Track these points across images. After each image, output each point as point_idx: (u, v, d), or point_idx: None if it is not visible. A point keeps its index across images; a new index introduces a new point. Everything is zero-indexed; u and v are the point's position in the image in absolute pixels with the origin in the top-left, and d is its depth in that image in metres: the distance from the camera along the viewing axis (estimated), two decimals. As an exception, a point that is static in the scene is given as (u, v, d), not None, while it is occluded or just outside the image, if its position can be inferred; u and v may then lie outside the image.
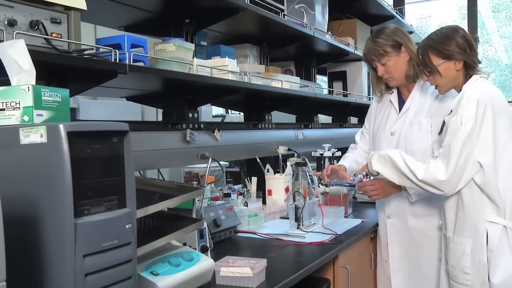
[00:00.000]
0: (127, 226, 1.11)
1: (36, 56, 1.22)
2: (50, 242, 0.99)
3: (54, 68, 1.52)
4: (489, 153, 1.87)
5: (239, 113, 3.97)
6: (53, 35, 1.42)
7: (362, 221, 2.58)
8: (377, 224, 2.49)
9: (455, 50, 1.95)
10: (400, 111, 2.36)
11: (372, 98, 2.69)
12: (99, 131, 1.09)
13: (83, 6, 1.50)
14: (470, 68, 1.97)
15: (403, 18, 5.06)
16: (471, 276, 1.90)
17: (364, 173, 2.32)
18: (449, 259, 2.00)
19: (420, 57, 2.05)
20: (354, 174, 2.37)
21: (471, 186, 1.91)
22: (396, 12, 4.69)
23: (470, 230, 1.93)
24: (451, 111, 1.97)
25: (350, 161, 2.47)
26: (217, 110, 5.58)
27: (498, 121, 1.87)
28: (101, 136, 1.09)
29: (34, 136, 1.00)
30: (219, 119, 5.03)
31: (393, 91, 2.42)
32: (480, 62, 2.01)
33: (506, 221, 1.88)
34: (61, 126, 0.98)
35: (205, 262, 1.52)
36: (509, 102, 2.19)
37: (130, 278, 1.11)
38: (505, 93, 9.70)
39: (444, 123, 2.00)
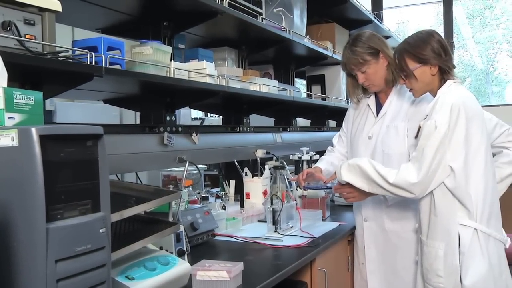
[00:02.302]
0: (101, 230, 1.10)
1: (8, 57, 1.20)
2: (21, 247, 0.97)
3: (28, 70, 1.50)
4: (461, 158, 1.90)
5: (219, 116, 3.96)
6: (27, 36, 1.40)
7: (340, 224, 2.60)
8: (354, 227, 2.51)
9: (430, 55, 1.98)
10: (377, 115, 2.38)
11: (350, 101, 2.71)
12: (72, 134, 1.07)
13: (58, 7, 1.48)
14: (445, 72, 2.00)
15: (381, 23, 5.11)
16: (444, 279, 1.93)
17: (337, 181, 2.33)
18: (424, 262, 2.03)
19: (397, 61, 2.07)
20: (324, 182, 2.39)
21: (443, 190, 1.94)
22: (374, 17, 4.74)
23: (442, 233, 1.96)
24: (427, 116, 2.00)
25: (327, 163, 2.49)
26: (196, 113, 5.56)
27: (470, 126, 1.91)
28: (75, 139, 1.07)
29: (5, 140, 0.98)
30: (198, 122, 5.02)
31: (370, 95, 2.45)
32: (455, 67, 2.04)
33: (477, 224, 1.91)
34: (33, 130, 0.96)
35: (181, 266, 1.51)
36: (484, 106, 2.24)
37: (103, 283, 1.10)
38: (480, 97, 9.89)
39: (420, 127, 2.03)
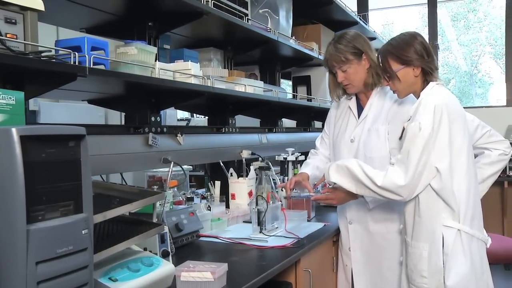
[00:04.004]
0: (83, 231, 1.09)
1: (-11, 57, 1.18)
2: (0, 248, 0.96)
3: (9, 70, 1.48)
4: (446, 158, 1.92)
5: (205, 117, 3.96)
6: (8, 35, 1.39)
7: (325, 224, 2.61)
8: (339, 228, 2.51)
9: (413, 56, 1.99)
10: (359, 117, 2.39)
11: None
12: (54, 135, 1.06)
13: (40, 6, 1.46)
14: (427, 74, 2.02)
15: (366, 25, 5.14)
16: (428, 279, 1.95)
17: (325, 182, 2.34)
18: (408, 263, 2.04)
19: (380, 62, 2.09)
20: (314, 185, 2.39)
21: (428, 191, 1.96)
22: (359, 19, 4.76)
23: (426, 234, 1.97)
24: (410, 118, 2.02)
25: (312, 168, 2.49)
26: (182, 114, 5.54)
27: (453, 127, 1.92)
28: (56, 140, 1.07)
29: (-15, 140, 0.97)
30: (184, 123, 5.01)
31: (351, 97, 2.45)
32: (437, 69, 2.06)
33: (461, 224, 1.93)
34: (14, 130, 0.95)
35: (165, 267, 1.50)
36: (468, 107, 2.27)
37: (86, 284, 1.09)
38: (464, 99, 9.99)
39: (404, 129, 2.04)
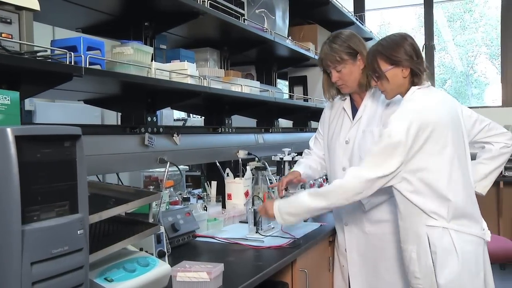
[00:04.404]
0: (78, 232, 1.09)
1: (-16, 57, 1.18)
2: (-5, 249, 0.96)
3: (4, 70, 1.47)
4: (415, 164, 1.91)
5: (201, 117, 3.95)
6: (3, 35, 1.38)
7: (321, 225, 2.61)
8: (335, 229, 2.51)
9: (403, 57, 1.99)
10: (353, 119, 2.38)
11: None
12: (49, 135, 1.06)
13: (36, 6, 1.46)
14: (415, 75, 2.01)
15: (363, 25, 5.15)
16: (421, 280, 1.95)
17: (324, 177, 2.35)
18: (404, 265, 2.05)
19: (369, 62, 2.08)
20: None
21: (402, 196, 1.96)
22: (356, 19, 4.77)
23: (412, 236, 1.98)
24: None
25: (305, 167, 2.49)
26: (179, 114, 5.54)
27: (428, 134, 1.90)
28: (52, 140, 1.06)
29: (-20, 140, 0.96)
30: (180, 123, 5.01)
31: (345, 98, 2.44)
32: (426, 70, 2.05)
33: (446, 222, 1.92)
34: (9, 130, 0.95)
35: (161, 268, 1.50)
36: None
37: (81, 285, 1.09)
38: (460, 99, 10.02)
39: None
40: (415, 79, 2.02)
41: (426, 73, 2.05)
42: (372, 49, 2.09)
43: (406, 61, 1.99)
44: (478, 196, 2.14)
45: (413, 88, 2.01)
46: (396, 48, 2.00)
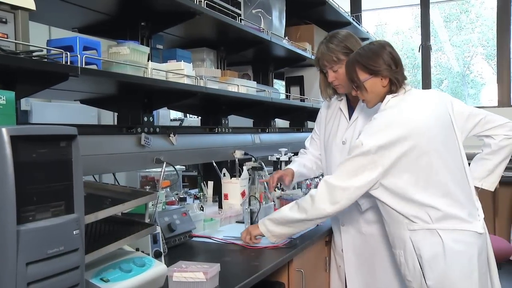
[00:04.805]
0: (74, 232, 1.09)
1: (-21, 56, 1.18)
2: (-10, 250, 0.95)
3: (0, 70, 1.47)
4: (388, 173, 1.90)
5: (198, 117, 3.95)
6: (-1, 35, 1.38)
7: (317, 225, 2.60)
8: (332, 229, 2.51)
9: (382, 67, 1.97)
10: (350, 119, 2.38)
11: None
12: (45, 135, 1.06)
13: (32, 6, 1.46)
14: (393, 84, 2.00)
15: (359, 25, 5.16)
16: (413, 283, 1.96)
17: (321, 176, 2.35)
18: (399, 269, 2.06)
19: (348, 71, 2.06)
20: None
21: (382, 202, 1.97)
22: (353, 19, 4.78)
23: (398, 241, 1.99)
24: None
25: (299, 165, 2.49)
26: (175, 114, 5.53)
27: (402, 143, 1.89)
28: (47, 140, 1.06)
29: (-25, 140, 0.96)
30: (177, 123, 5.00)
31: (342, 98, 2.43)
32: (405, 79, 2.03)
33: (430, 224, 1.90)
34: (4, 130, 0.95)
35: (157, 268, 1.50)
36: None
37: (77, 285, 1.09)
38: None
39: None
40: (392, 87, 2.00)
41: (406, 81, 2.04)
42: (350, 58, 2.07)
43: (385, 70, 1.97)
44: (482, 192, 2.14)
45: (388, 97, 2.00)
46: (375, 58, 1.98)
